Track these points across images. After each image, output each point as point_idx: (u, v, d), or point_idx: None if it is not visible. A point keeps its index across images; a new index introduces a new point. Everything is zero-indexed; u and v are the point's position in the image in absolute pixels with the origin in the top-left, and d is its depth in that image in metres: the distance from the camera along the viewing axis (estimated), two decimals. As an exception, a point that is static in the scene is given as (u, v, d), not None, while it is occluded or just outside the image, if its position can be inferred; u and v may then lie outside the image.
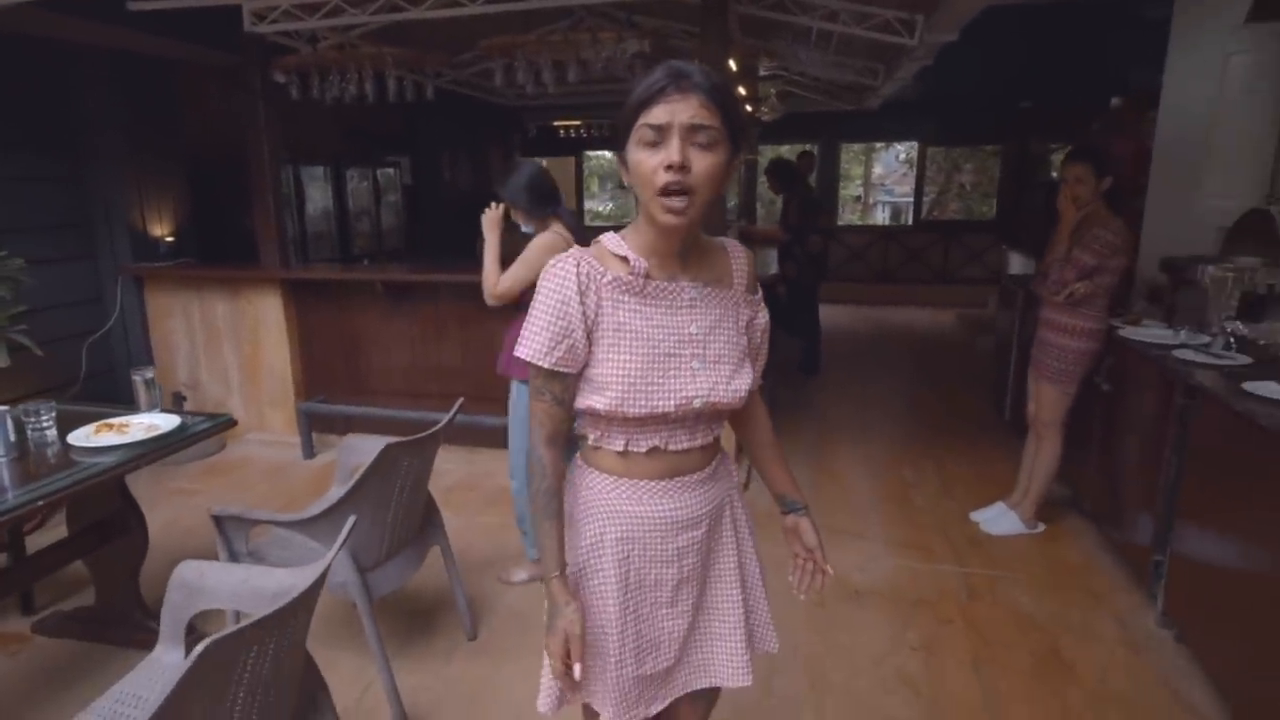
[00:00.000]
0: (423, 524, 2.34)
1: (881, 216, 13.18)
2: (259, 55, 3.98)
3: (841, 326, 7.68)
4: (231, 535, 2.06)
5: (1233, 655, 2.03)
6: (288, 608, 1.28)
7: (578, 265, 1.10)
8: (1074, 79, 7.41)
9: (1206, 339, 2.60)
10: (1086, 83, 7.42)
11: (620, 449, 1.17)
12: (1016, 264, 6.36)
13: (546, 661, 1.21)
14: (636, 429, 1.15)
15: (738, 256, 1.23)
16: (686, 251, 1.14)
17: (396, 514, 2.11)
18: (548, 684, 1.24)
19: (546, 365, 1.11)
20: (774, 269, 5.23)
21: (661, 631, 1.23)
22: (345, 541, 1.46)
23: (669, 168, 1.00)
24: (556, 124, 9.33)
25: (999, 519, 3.22)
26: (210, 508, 2.06)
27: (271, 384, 4.33)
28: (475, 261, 2.70)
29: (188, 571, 1.70)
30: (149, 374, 2.42)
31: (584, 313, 1.10)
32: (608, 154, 13.13)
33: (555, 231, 2.52)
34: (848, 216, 13.38)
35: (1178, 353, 2.50)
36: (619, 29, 3.39)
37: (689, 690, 1.30)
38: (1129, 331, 2.84)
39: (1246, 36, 3.53)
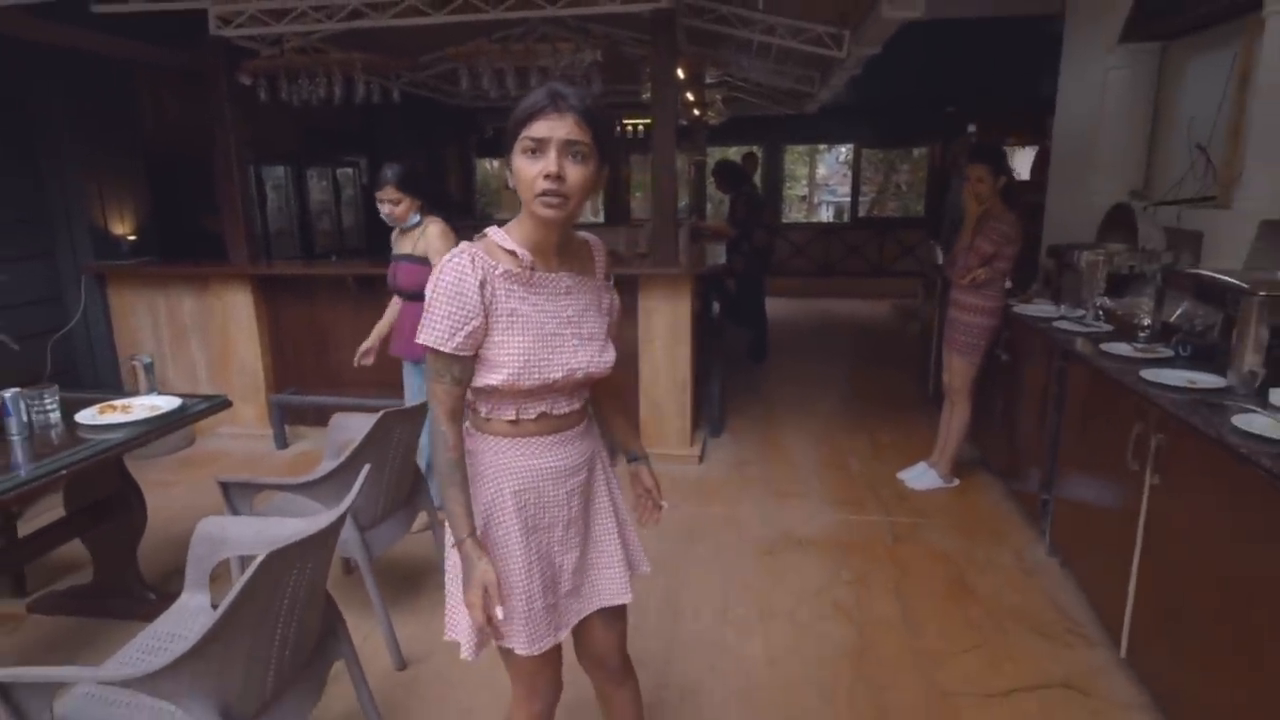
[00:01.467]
0: (410, 490, 2.60)
1: (826, 215, 13.78)
2: (226, 58, 4.14)
3: (786, 317, 8.15)
4: (237, 501, 2.29)
5: (1096, 569, 2.48)
6: (320, 534, 1.55)
7: (473, 259, 1.25)
8: (991, 85, 8.06)
9: (1082, 313, 3.07)
10: (1002, 88, 8.08)
11: (512, 418, 1.33)
12: (941, 256, 6.91)
13: (462, 616, 1.34)
14: (525, 399, 1.32)
15: (598, 250, 1.44)
16: (562, 245, 1.34)
17: (390, 478, 2.38)
18: (466, 634, 1.36)
19: (448, 350, 1.24)
20: (723, 261, 5.60)
21: (558, 567, 1.41)
22: (359, 492, 1.72)
23: (547, 176, 1.19)
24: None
25: (921, 476, 3.66)
26: (218, 476, 2.28)
27: (242, 378, 4.48)
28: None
29: (209, 526, 1.95)
30: (147, 359, 2.62)
31: (482, 301, 1.25)
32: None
33: (438, 220, 3.07)
34: (793, 215, 13.97)
35: (1058, 324, 2.97)
36: (576, 40, 3.69)
37: (584, 615, 1.47)
38: (1022, 308, 3.30)
39: (1122, 54, 4.05)
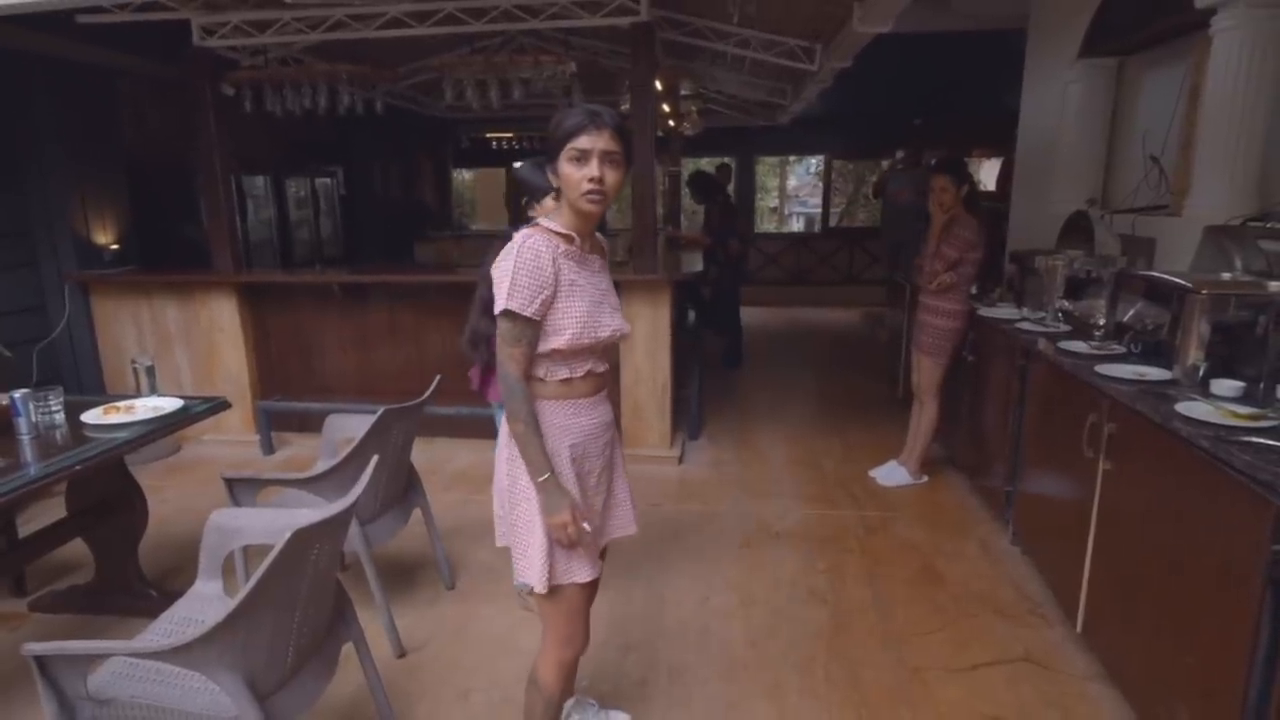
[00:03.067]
0: (406, 487, 2.68)
1: (797, 225, 14.03)
2: (210, 69, 4.19)
3: (761, 324, 8.32)
4: (241, 497, 2.35)
5: (1055, 553, 2.63)
6: (336, 518, 1.64)
7: (544, 240, 1.54)
8: (957, 98, 8.34)
9: (1042, 314, 3.25)
10: (968, 101, 8.37)
11: (566, 377, 1.60)
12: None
13: (533, 558, 1.58)
14: (578, 360, 1.61)
15: (604, 243, 1.76)
16: (591, 235, 1.66)
17: (388, 474, 2.46)
18: (537, 572, 1.58)
19: (529, 314, 1.51)
20: (699, 268, 5.72)
21: (593, 507, 1.71)
22: (368, 483, 1.80)
23: (591, 179, 1.50)
24: (489, 136, 9.63)
25: (891, 473, 3.81)
26: (223, 472, 2.34)
27: (228, 385, 4.50)
28: (409, 265, 2.99)
29: (221, 517, 2.02)
30: (148, 361, 2.67)
31: (554, 273, 1.54)
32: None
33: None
34: (765, 226, 14.20)
35: (1020, 325, 3.14)
36: (558, 54, 3.82)
37: (605, 543, 1.83)
38: (986, 311, 3.48)
39: (1080, 69, 4.26)
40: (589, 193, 1.51)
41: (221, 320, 4.42)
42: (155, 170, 5.04)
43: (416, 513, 2.74)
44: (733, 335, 6.36)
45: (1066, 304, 3.21)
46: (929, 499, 3.62)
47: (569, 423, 1.62)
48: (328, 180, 6.86)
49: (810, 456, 4.23)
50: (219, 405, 2.64)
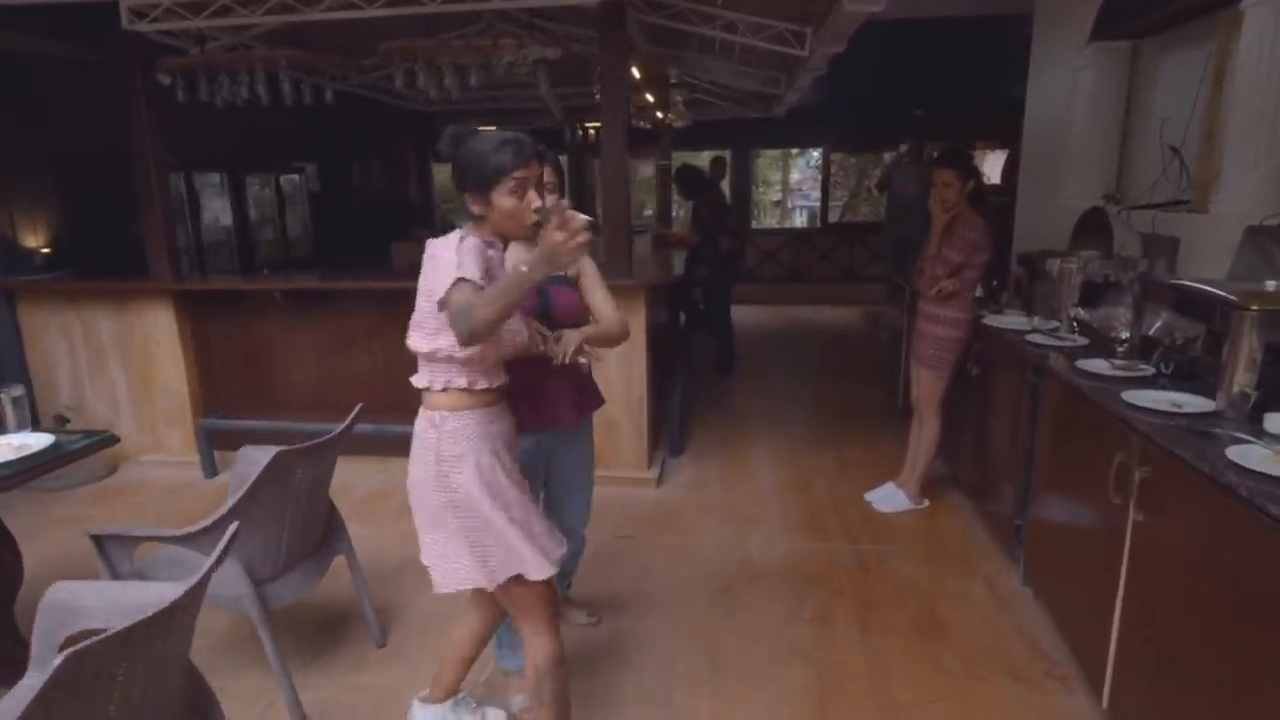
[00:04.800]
0: (325, 534, 2.33)
1: (800, 220, 13.66)
2: (141, 55, 3.83)
3: (756, 324, 7.95)
4: (114, 556, 2.01)
5: (1075, 605, 2.28)
6: (155, 618, 1.28)
7: (480, 237, 1.60)
8: (959, 88, 7.96)
9: (1055, 324, 2.89)
10: (971, 91, 7.99)
11: (487, 385, 1.63)
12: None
13: (463, 555, 1.63)
14: (495, 368, 1.66)
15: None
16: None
17: (294, 523, 2.11)
18: (482, 568, 1.63)
19: (480, 281, 1.51)
20: (680, 273, 5.35)
21: (532, 509, 1.74)
22: (225, 553, 1.46)
23: (537, 209, 1.55)
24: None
25: (888, 497, 3.45)
26: (88, 528, 2.00)
27: (166, 401, 4.16)
28: (385, 269, 2.71)
29: (60, 592, 1.66)
30: (16, 391, 2.32)
31: (488, 267, 1.57)
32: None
33: None
34: (767, 220, 13.84)
35: (1030, 337, 2.77)
36: (520, 36, 3.45)
37: None
38: (993, 320, 3.11)
39: (1091, 53, 3.91)
40: (537, 224, 1.54)
41: (157, 331, 4.06)
42: (96, 166, 4.67)
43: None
44: (723, 339, 6.00)
45: (1082, 312, 2.85)
46: (930, 527, 3.26)
47: (493, 428, 1.66)
48: (295, 177, 6.50)
49: (801, 476, 3.87)
50: (101, 441, 2.29)
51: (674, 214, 8.21)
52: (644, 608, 2.69)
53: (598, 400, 2.27)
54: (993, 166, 9.13)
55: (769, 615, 2.62)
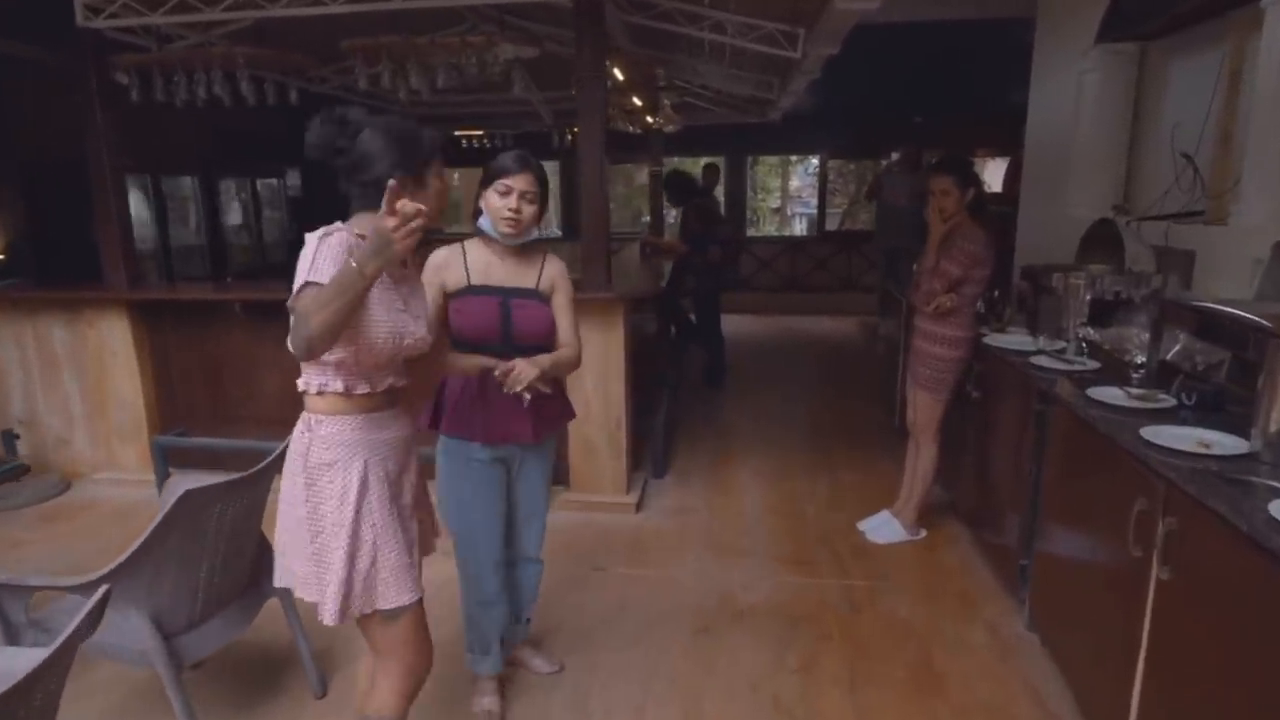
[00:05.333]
0: (254, 574, 2.11)
1: (800, 228, 13.48)
2: (96, 54, 3.62)
3: (749, 335, 7.74)
4: (6, 605, 1.79)
5: (1088, 663, 2.06)
6: (44, 669, 1.09)
7: (346, 236, 1.45)
8: (959, 94, 7.77)
9: (1062, 345, 2.68)
10: (971, 97, 7.80)
11: (365, 391, 1.51)
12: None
13: (331, 580, 1.47)
14: (377, 373, 1.53)
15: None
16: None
17: (212, 567, 1.89)
18: (336, 597, 1.47)
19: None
20: (664, 284, 5.12)
21: (409, 525, 1.61)
22: (89, 623, 1.24)
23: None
24: (458, 134, 9.06)
25: (882, 527, 3.23)
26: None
27: (121, 416, 3.93)
28: None
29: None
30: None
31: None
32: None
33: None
34: (766, 228, 13.66)
35: (1035, 359, 2.56)
36: (490, 34, 3.25)
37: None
38: (994, 339, 2.90)
39: (1097, 56, 3.72)
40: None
41: (111, 343, 3.84)
42: (59, 171, 4.47)
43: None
44: (714, 350, 5.78)
45: (1091, 332, 2.64)
46: (926, 561, 3.04)
47: (372, 437, 1.53)
48: (273, 181, 6.30)
49: (791, 502, 3.65)
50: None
51: (673, 221, 8.02)
52: (613, 649, 2.46)
53: (565, 413, 2.14)
54: (993, 175, 8.94)
55: (751, 662, 2.40)
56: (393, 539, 1.52)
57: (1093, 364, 2.46)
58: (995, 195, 6.97)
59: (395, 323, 1.50)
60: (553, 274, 1.99)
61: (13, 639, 1.79)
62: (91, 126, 3.67)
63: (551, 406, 2.03)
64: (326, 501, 1.49)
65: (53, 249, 4.34)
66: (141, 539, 1.72)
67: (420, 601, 1.58)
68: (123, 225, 3.84)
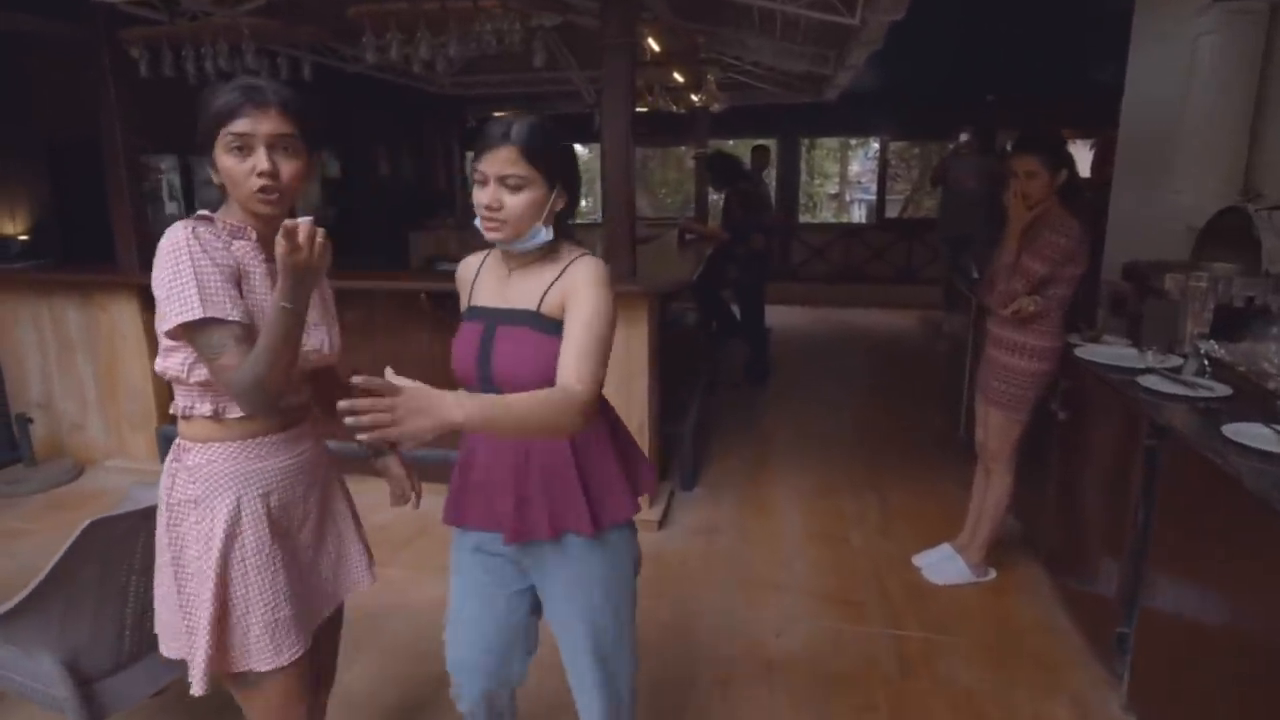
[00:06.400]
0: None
1: (859, 214, 12.87)
2: (109, 29, 3.43)
3: (798, 328, 7.27)
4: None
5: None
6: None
7: (210, 231, 1.25)
8: (1037, 69, 7.10)
9: (1178, 361, 2.19)
10: (1049, 72, 7.11)
11: (244, 413, 1.25)
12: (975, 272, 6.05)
13: (203, 632, 1.24)
14: None
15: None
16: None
17: (141, 602, 1.62)
18: (203, 656, 1.24)
19: (236, 317, 1.19)
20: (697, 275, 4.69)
21: (303, 568, 1.37)
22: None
23: (261, 173, 1.21)
24: (498, 115, 8.82)
25: (943, 564, 2.80)
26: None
27: (132, 403, 3.80)
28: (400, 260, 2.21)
29: None
30: None
31: (236, 273, 1.26)
32: (575, 147, 12.81)
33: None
34: (823, 214, 13.10)
35: (1144, 379, 2.09)
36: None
37: (326, 615, 1.45)
38: (1087, 351, 2.42)
39: (1216, 16, 3.18)
40: (260, 190, 1.22)
41: (123, 326, 3.70)
42: (82, 151, 4.34)
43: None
44: (756, 345, 5.37)
45: (1216, 346, 2.15)
46: (996, 611, 2.59)
47: (253, 466, 1.28)
48: (307, 162, 6.15)
49: (835, 525, 3.24)
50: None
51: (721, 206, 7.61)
52: (620, 705, 2.13)
53: (607, 493, 1.35)
54: (1078, 159, 8.22)
55: (778, 731, 2.03)
56: (269, 588, 1.28)
57: (1221, 388, 1.97)
58: (1084, 181, 6.34)
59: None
60: (568, 284, 1.30)
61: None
62: (104, 103, 3.49)
63: (564, 479, 1.32)
64: (191, 545, 1.26)
65: (77, 230, 4.23)
66: (44, 574, 1.46)
67: (303, 660, 1.32)
68: (135, 205, 3.67)
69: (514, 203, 1.26)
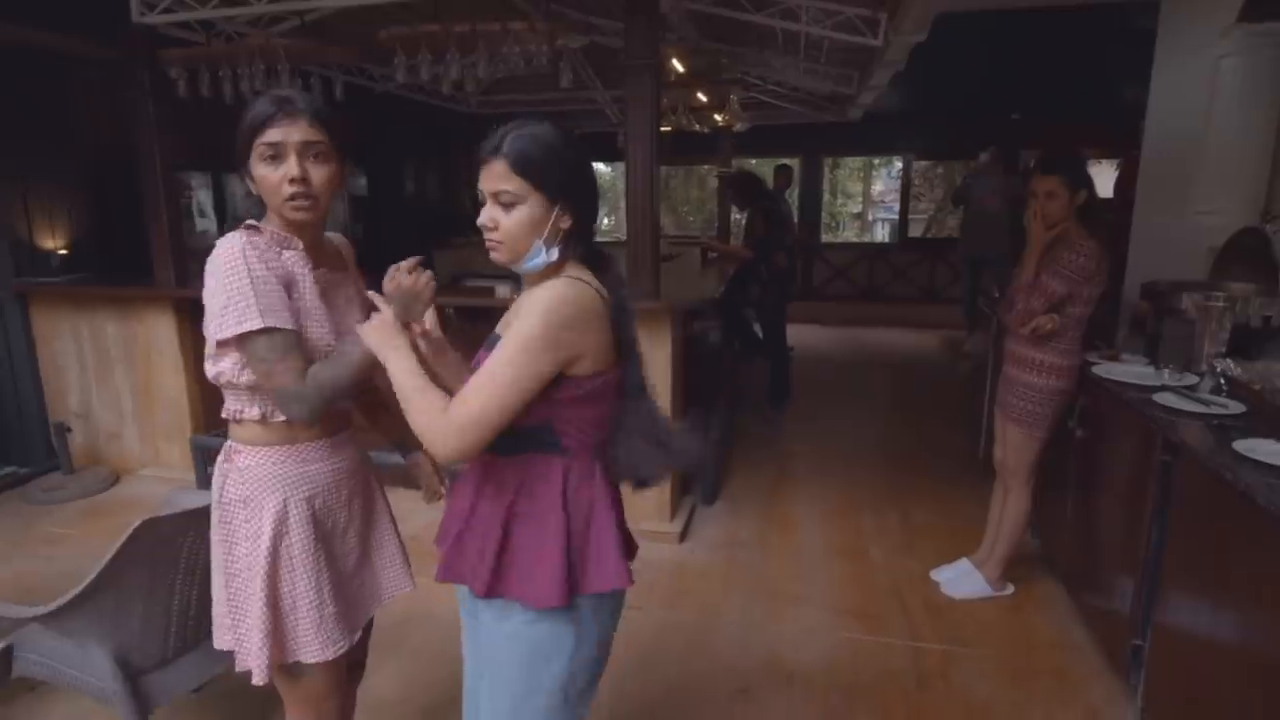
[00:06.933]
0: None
1: (882, 234, 12.89)
2: (148, 50, 3.60)
3: (820, 349, 7.28)
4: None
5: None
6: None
7: (267, 242, 1.33)
8: (1062, 88, 7.10)
9: (1194, 379, 2.20)
10: (1077, 94, 7.11)
11: (283, 418, 1.33)
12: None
13: (257, 626, 1.31)
14: None
15: (341, 246, 1.54)
16: (320, 242, 1.44)
17: (186, 600, 1.70)
18: (258, 648, 1.30)
19: (291, 326, 1.29)
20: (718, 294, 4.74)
21: (345, 572, 1.43)
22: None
23: (293, 180, 1.28)
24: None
25: (962, 579, 2.80)
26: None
27: (167, 414, 3.92)
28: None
29: None
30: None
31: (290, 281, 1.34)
32: (599, 166, 12.95)
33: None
34: (845, 233, 13.11)
35: (1159, 396, 2.10)
36: (531, 20, 3.02)
37: (369, 615, 1.52)
38: (1104, 369, 2.43)
39: (1238, 38, 3.20)
40: (293, 197, 1.27)
41: (159, 340, 3.84)
42: (121, 168, 4.52)
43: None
44: (777, 367, 5.39)
45: (1232, 365, 2.16)
46: (1013, 625, 2.60)
47: (298, 470, 1.35)
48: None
49: (856, 540, 3.25)
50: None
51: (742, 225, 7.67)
52: (633, 707, 2.17)
53: (495, 572, 1.20)
54: (1102, 179, 8.18)
55: (794, 740, 2.06)
56: (314, 585, 1.34)
57: (1236, 406, 1.99)
58: (1105, 201, 6.31)
59: (324, 339, 1.33)
60: (518, 306, 1.22)
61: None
62: (143, 123, 3.65)
63: (488, 532, 1.21)
64: (241, 543, 1.34)
65: (115, 245, 4.39)
66: (96, 571, 1.54)
67: (337, 676, 1.43)
68: (172, 222, 3.82)
69: (508, 221, 1.15)
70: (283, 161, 1.26)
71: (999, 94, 7.55)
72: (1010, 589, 2.77)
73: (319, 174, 1.28)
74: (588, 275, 1.20)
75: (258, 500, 1.32)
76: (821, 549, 3.18)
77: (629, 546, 1.27)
